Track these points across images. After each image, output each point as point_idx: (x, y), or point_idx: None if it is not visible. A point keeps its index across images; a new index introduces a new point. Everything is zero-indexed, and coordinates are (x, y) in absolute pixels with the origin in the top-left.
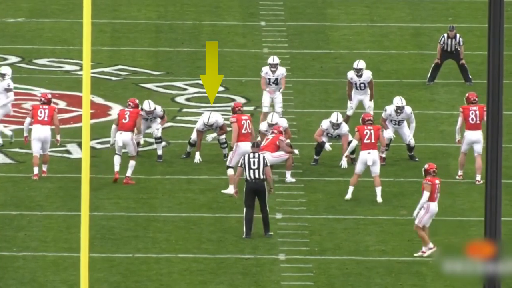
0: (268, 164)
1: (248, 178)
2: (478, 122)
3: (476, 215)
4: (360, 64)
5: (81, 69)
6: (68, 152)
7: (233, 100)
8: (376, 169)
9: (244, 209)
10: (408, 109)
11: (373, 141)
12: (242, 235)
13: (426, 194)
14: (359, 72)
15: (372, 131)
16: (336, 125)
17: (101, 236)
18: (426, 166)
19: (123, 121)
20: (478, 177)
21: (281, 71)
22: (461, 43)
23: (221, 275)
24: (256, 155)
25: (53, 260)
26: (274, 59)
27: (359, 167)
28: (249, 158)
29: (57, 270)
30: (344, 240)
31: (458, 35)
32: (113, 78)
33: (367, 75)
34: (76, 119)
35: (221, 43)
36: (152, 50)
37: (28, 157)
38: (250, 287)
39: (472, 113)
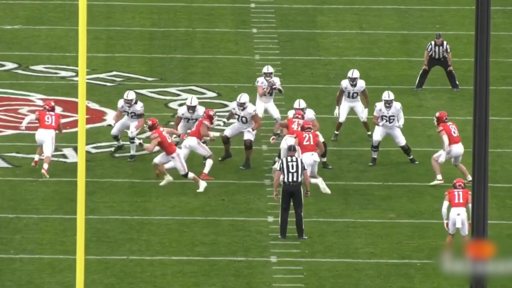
0: (306, 168)
1: (286, 181)
2: (458, 134)
3: None
4: (355, 73)
5: (76, 75)
6: (64, 156)
7: (225, 105)
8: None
9: (280, 211)
10: (397, 105)
11: (311, 143)
12: (278, 235)
13: (445, 138)
14: (353, 81)
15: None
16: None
17: (97, 239)
18: (437, 114)
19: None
20: (469, 177)
21: (277, 81)
22: (448, 50)
23: (214, 277)
24: (294, 158)
25: (49, 262)
26: (268, 68)
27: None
28: (287, 161)
29: (53, 272)
30: (334, 242)
31: (445, 43)
32: (108, 84)
33: (361, 84)
34: (72, 124)
35: (213, 49)
36: (146, 57)
37: (24, 161)
38: None
39: (451, 127)
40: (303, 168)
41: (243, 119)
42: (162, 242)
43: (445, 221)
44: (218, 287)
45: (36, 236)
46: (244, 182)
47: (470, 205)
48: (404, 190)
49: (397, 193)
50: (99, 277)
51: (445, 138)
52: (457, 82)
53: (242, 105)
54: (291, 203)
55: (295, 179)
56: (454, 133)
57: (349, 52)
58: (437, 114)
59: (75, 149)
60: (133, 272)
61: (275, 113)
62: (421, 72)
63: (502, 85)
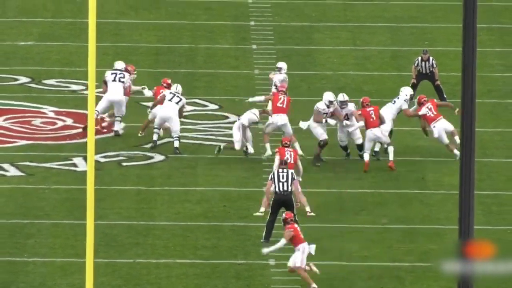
0: (296, 178)
1: (277, 190)
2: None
3: (451, 223)
4: (345, 96)
5: (86, 89)
6: (74, 165)
7: (226, 117)
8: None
9: (268, 216)
10: (351, 106)
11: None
12: (261, 239)
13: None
14: (343, 104)
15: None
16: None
17: (105, 243)
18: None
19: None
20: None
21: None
22: (435, 66)
23: (216, 279)
24: (285, 170)
25: (60, 265)
26: (281, 64)
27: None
28: (278, 172)
29: (65, 274)
30: (329, 246)
31: (431, 58)
32: None
33: (350, 108)
34: (81, 135)
35: (215, 64)
36: (152, 71)
37: (37, 170)
38: None
39: (371, 113)
40: (293, 179)
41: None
42: (166, 246)
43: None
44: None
45: (49, 240)
46: (245, 189)
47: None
48: (395, 197)
49: (389, 199)
50: (107, 279)
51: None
52: (444, 96)
53: (344, 103)
54: (281, 211)
55: (285, 188)
56: (373, 118)
57: (343, 67)
58: (361, 99)
59: (85, 158)
60: (139, 275)
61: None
62: (410, 85)
63: (487, 98)
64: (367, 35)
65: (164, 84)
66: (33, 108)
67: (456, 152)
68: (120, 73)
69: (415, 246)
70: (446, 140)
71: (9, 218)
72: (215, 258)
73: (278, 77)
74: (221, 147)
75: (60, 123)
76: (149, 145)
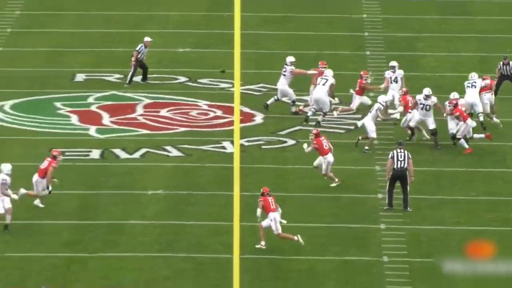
0: (410, 157)
1: (395, 167)
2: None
3: None
4: (430, 91)
5: (233, 87)
6: (224, 148)
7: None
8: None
9: (388, 189)
10: (434, 98)
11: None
12: (385, 207)
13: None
14: (427, 97)
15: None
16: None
17: (248, 210)
18: (314, 131)
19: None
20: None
21: (401, 72)
22: None
23: (337, 240)
24: (402, 150)
25: (213, 228)
26: (393, 63)
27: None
28: (397, 152)
29: (216, 235)
30: (429, 214)
31: (511, 62)
32: (256, 93)
33: (434, 100)
34: (229, 124)
35: (337, 68)
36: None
37: (195, 151)
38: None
39: (323, 142)
40: (408, 158)
41: (427, 107)
42: (299, 212)
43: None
44: (341, 247)
45: (204, 208)
46: (359, 168)
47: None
48: (481, 175)
49: (476, 177)
50: (250, 239)
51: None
52: None
53: (428, 97)
54: (397, 184)
55: (402, 165)
56: (326, 146)
57: (440, 69)
58: (314, 131)
59: (232, 142)
60: (274, 235)
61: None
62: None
63: None
64: (460, 44)
65: (321, 66)
66: (190, 102)
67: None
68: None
69: (499, 214)
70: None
71: (172, 190)
72: (336, 223)
73: (399, 72)
74: (360, 138)
75: (212, 114)
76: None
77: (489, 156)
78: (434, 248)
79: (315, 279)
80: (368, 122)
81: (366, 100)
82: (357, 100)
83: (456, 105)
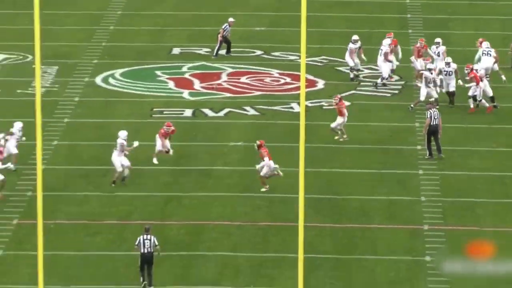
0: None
1: (431, 124)
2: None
3: None
4: (450, 59)
5: (299, 58)
6: (292, 108)
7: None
8: None
9: (426, 141)
10: (454, 65)
11: None
12: (425, 156)
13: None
14: (447, 64)
15: None
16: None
17: (310, 159)
18: (258, 142)
19: None
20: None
21: (443, 48)
22: None
23: (384, 184)
24: (436, 110)
25: (284, 172)
26: (437, 39)
27: None
28: (432, 112)
29: (286, 178)
30: (457, 161)
31: None
32: (318, 64)
33: (454, 66)
34: (296, 88)
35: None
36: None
37: (267, 111)
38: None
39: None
40: (439, 116)
41: (449, 72)
42: (353, 161)
43: None
44: (387, 189)
45: (276, 157)
46: (402, 124)
47: None
48: (502, 130)
49: (498, 132)
50: (313, 181)
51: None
52: None
53: (448, 64)
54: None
55: (436, 122)
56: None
57: (468, 45)
58: (258, 142)
59: (298, 103)
60: None
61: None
62: None
63: None
64: (485, 25)
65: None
66: (265, 71)
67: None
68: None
69: None
70: None
71: (250, 142)
72: (384, 169)
73: (442, 48)
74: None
75: (282, 81)
76: None
77: (509, 115)
78: (462, 190)
79: (365, 215)
80: (423, 88)
81: (421, 63)
82: (417, 63)
83: (471, 70)
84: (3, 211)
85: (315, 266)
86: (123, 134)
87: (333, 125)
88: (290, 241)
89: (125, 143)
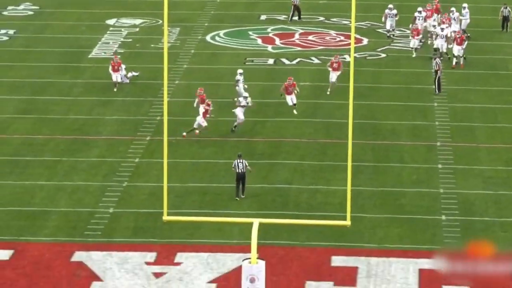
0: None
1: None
2: None
3: None
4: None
5: (350, 23)
6: (344, 58)
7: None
8: None
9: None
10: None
11: None
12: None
13: None
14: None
15: None
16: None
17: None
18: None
19: None
20: None
21: (457, 14)
22: None
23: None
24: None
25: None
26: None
27: None
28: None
29: (340, 108)
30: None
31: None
32: (363, 26)
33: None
34: (347, 44)
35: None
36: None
37: (327, 60)
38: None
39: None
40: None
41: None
42: (388, 108)
43: None
44: (411, 116)
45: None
46: (422, 70)
47: None
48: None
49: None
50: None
51: None
52: None
53: (442, 29)
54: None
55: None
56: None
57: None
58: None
59: (349, 54)
60: None
61: None
62: None
63: None
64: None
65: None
66: (325, 31)
67: None
68: None
69: None
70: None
71: (314, 82)
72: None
73: (456, 14)
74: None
75: (338, 39)
76: None
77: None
78: (464, 116)
79: (395, 134)
80: (439, 40)
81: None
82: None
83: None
84: (139, 131)
85: (359, 171)
86: (239, 71)
87: (333, 79)
88: (341, 153)
89: (241, 79)
